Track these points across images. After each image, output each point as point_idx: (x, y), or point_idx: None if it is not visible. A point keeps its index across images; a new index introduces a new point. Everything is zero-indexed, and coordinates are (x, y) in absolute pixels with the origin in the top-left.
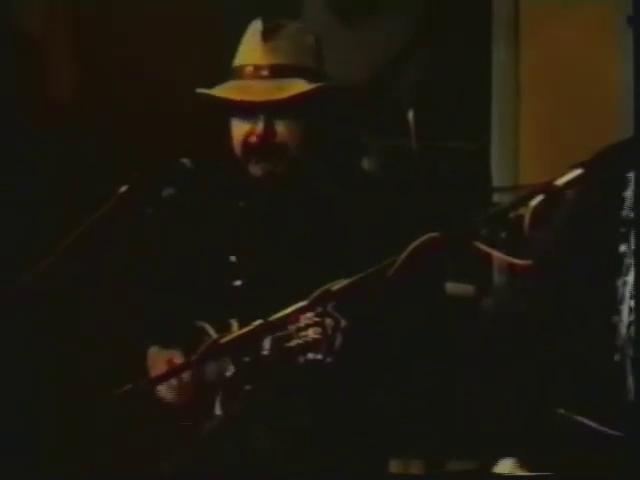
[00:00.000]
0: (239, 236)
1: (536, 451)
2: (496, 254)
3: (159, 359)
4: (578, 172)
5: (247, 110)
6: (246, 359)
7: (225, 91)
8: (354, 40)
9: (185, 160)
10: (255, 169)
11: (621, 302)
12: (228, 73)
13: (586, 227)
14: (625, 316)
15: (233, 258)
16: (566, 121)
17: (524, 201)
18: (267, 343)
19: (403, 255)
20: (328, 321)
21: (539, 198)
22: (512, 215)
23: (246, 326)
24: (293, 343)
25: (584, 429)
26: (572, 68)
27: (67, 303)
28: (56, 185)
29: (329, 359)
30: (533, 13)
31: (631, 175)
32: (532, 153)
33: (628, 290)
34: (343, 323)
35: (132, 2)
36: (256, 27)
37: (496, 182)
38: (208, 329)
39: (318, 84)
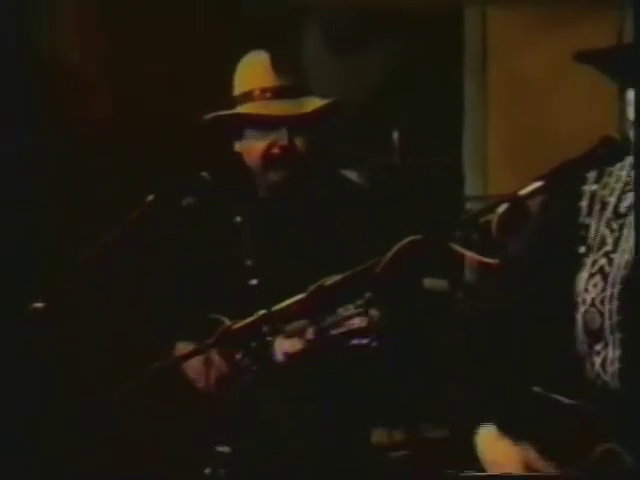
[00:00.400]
0: (254, 239)
1: (513, 422)
2: (468, 254)
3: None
4: (539, 184)
5: (269, 125)
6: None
7: (249, 109)
8: (348, 70)
9: (204, 173)
10: (274, 176)
11: (578, 295)
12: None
13: (549, 231)
14: (581, 307)
15: (249, 262)
16: (528, 140)
17: (492, 208)
18: (310, 331)
19: (389, 254)
20: (373, 311)
21: (505, 206)
22: (482, 220)
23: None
24: (339, 331)
25: (554, 403)
26: (532, 95)
27: (96, 302)
28: (90, 194)
29: (374, 343)
30: (498, 47)
31: (585, 187)
32: (499, 167)
33: (583, 285)
34: (383, 313)
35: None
36: (259, 55)
37: (467, 192)
38: (224, 320)
39: (331, 99)
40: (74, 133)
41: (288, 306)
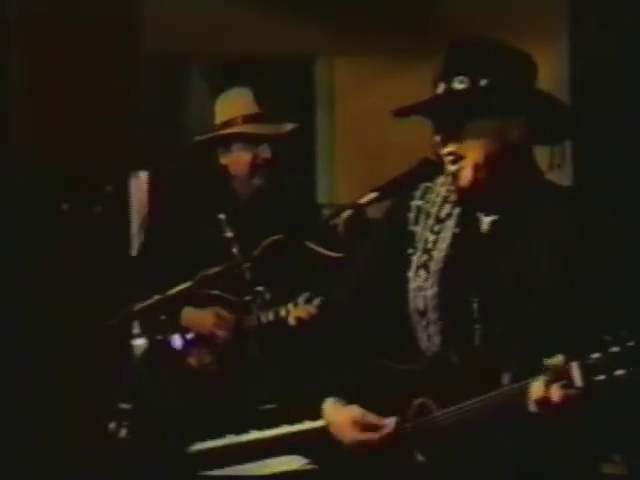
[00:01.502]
0: (237, 232)
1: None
2: (319, 250)
3: (205, 313)
4: (374, 194)
5: (253, 142)
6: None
7: (240, 129)
8: None
9: (108, 186)
10: (258, 182)
11: (409, 283)
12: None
13: (387, 236)
14: (411, 293)
15: (235, 250)
16: (368, 160)
17: (338, 214)
18: (317, 300)
19: (257, 250)
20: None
21: (348, 212)
22: (330, 223)
23: None
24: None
25: (386, 368)
26: (371, 125)
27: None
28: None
29: None
30: (344, 88)
31: (412, 203)
32: (344, 181)
33: (412, 275)
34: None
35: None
36: (241, 90)
37: (319, 200)
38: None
39: (295, 124)
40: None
41: (179, 291)
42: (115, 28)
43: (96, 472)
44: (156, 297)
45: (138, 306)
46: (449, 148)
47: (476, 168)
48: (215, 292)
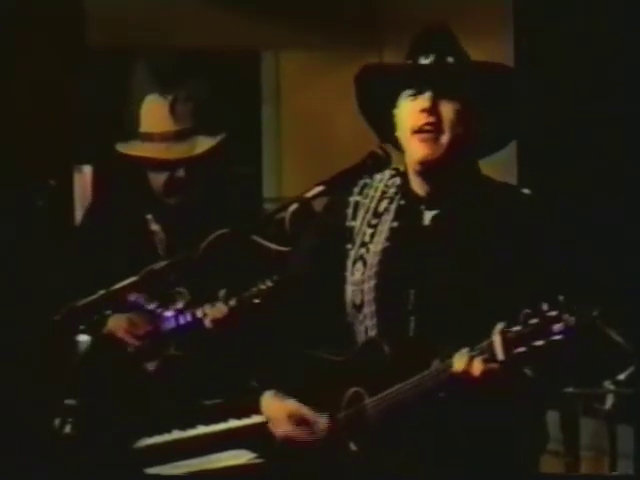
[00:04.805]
0: (164, 232)
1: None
2: (266, 244)
3: (119, 318)
4: (320, 188)
5: (168, 165)
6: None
7: (148, 151)
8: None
9: (51, 181)
10: (172, 201)
11: (347, 277)
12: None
13: (326, 232)
14: (349, 287)
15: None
16: (314, 153)
17: (285, 208)
18: (233, 300)
19: (204, 244)
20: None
21: (295, 205)
22: (277, 217)
23: None
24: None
25: (323, 360)
26: (318, 118)
27: None
28: None
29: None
30: (290, 81)
31: (351, 199)
32: (291, 175)
33: (350, 269)
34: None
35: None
36: (161, 100)
37: (265, 195)
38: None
39: (218, 138)
40: None
41: (124, 287)
42: (60, 23)
43: (42, 468)
44: (100, 292)
45: (82, 301)
46: (430, 118)
47: (442, 141)
48: (133, 298)
